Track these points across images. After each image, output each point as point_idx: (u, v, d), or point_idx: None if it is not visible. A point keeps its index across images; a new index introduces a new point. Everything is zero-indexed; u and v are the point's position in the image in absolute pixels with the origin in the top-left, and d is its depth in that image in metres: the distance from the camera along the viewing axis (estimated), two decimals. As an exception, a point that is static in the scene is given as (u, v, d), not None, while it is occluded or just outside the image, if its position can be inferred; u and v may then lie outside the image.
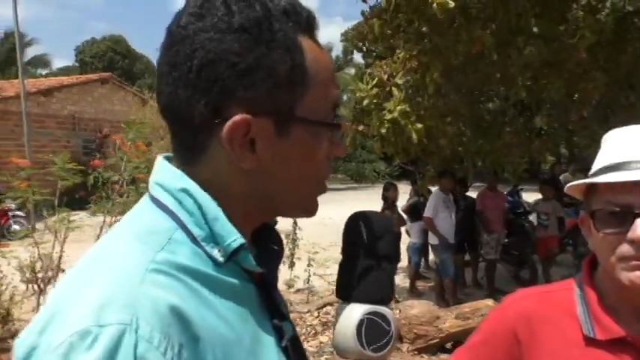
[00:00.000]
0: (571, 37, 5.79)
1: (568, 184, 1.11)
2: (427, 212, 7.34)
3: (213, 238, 0.71)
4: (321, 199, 0.81)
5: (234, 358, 0.68)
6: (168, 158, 0.78)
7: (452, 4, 4.44)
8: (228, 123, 0.69)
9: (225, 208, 0.71)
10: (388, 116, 6.23)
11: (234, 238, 0.70)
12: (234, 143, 0.70)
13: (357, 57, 40.14)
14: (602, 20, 5.90)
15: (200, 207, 0.70)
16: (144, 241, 0.68)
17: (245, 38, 0.69)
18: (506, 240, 8.33)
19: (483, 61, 6.08)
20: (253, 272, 0.75)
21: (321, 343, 6.21)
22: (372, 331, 0.84)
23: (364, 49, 7.22)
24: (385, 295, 0.86)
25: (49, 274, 5.09)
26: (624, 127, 1.08)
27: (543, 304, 1.12)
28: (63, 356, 0.58)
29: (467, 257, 8.70)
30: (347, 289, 0.92)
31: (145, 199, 0.76)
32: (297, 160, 0.75)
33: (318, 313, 7.29)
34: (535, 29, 5.95)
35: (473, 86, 6.53)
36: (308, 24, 0.75)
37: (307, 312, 7.33)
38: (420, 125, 6.17)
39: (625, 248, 0.97)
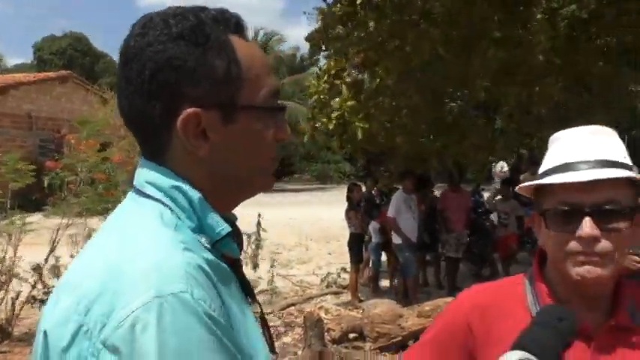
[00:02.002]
0: (529, 41, 5.91)
1: (519, 185, 1.16)
2: (390, 212, 7.40)
3: (201, 228, 0.81)
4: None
5: (239, 327, 0.77)
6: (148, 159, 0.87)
7: None
8: (181, 117, 0.79)
9: (202, 193, 0.82)
10: (335, 113, 6.26)
11: (222, 227, 0.81)
12: (188, 134, 0.80)
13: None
14: (558, 26, 6.05)
15: (190, 201, 0.81)
16: (163, 224, 0.78)
17: (184, 44, 0.80)
18: (468, 239, 8.46)
19: (444, 63, 6.16)
20: (228, 257, 0.84)
21: (284, 344, 6.18)
22: None
23: (323, 47, 7.24)
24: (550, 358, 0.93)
25: (2, 278, 4.93)
26: (571, 129, 1.13)
27: (496, 298, 1.17)
28: (131, 327, 0.66)
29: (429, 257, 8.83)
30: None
31: (133, 197, 0.85)
32: (247, 144, 0.85)
33: (282, 313, 7.27)
34: (497, 34, 6.06)
35: (434, 87, 6.61)
36: (237, 26, 0.86)
37: (270, 313, 7.30)
38: (366, 125, 6.22)
39: (574, 245, 1.03)
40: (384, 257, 8.94)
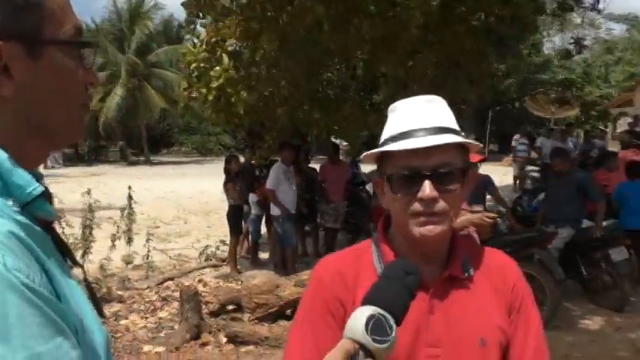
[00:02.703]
0: (404, 17, 6.09)
1: (363, 154, 1.24)
2: (269, 184, 7.39)
3: (7, 188, 0.71)
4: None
5: (63, 295, 0.71)
6: None
7: None
8: None
9: (7, 150, 0.72)
10: (215, 84, 6.11)
11: (34, 186, 0.73)
12: None
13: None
14: (431, 3, 6.29)
15: None
16: None
17: None
18: (346, 210, 8.68)
19: (322, 35, 6.19)
20: (41, 220, 0.76)
21: (160, 318, 6.02)
22: (378, 327, 0.91)
23: (200, 15, 6.98)
24: (399, 310, 0.96)
25: None
26: (407, 99, 1.22)
27: (349, 264, 1.23)
28: None
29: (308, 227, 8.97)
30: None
31: None
32: (55, 84, 0.78)
33: (158, 288, 7.06)
34: (372, 8, 6.17)
35: (313, 59, 6.63)
36: None
37: (146, 288, 7.07)
38: (245, 94, 6.13)
39: (417, 206, 1.13)
40: (263, 229, 8.97)
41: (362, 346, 0.91)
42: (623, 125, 21.12)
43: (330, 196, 8.15)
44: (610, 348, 5.05)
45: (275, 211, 7.51)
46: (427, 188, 1.10)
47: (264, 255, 8.91)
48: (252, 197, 8.31)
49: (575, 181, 6.09)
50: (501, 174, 15.27)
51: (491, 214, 3.20)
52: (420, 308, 1.14)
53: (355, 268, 1.21)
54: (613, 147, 14.48)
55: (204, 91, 6.69)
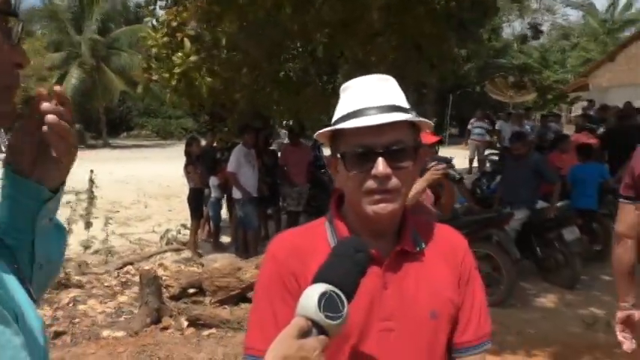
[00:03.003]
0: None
1: (317, 132, 1.24)
2: (230, 167, 7.34)
3: None
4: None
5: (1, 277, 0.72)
6: None
7: None
8: None
9: None
10: (178, 69, 6.01)
11: None
12: None
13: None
14: None
15: None
16: None
17: None
18: (308, 192, 8.68)
19: (282, 16, 6.14)
20: None
21: (120, 303, 5.96)
22: (330, 303, 0.93)
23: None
24: (351, 287, 0.99)
25: None
26: (360, 77, 1.22)
27: (304, 240, 1.25)
28: None
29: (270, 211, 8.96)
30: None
31: None
32: None
33: (118, 273, 6.97)
34: None
35: (273, 41, 6.57)
36: None
37: (105, 273, 6.97)
38: (209, 79, 6.05)
39: (370, 183, 1.14)
40: (224, 213, 8.92)
41: (315, 323, 0.94)
42: (578, 109, 21.71)
43: (292, 179, 8.15)
44: (561, 324, 5.24)
45: (237, 194, 7.47)
46: (380, 165, 1.11)
47: (226, 239, 8.88)
48: (213, 180, 8.24)
49: (531, 164, 6.24)
50: (462, 157, 15.51)
51: (439, 165, 3.27)
52: (374, 283, 1.16)
53: (310, 245, 1.22)
54: (569, 130, 14.86)
55: (166, 75, 6.58)
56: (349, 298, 0.97)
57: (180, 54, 6.38)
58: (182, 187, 9.61)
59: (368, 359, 1.17)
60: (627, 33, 29.22)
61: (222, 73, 6.52)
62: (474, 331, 1.25)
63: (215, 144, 9.55)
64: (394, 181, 1.13)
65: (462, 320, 1.25)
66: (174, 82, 6.51)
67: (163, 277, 6.34)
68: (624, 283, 2.39)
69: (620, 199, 2.40)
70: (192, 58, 6.32)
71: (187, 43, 6.29)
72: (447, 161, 3.19)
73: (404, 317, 1.18)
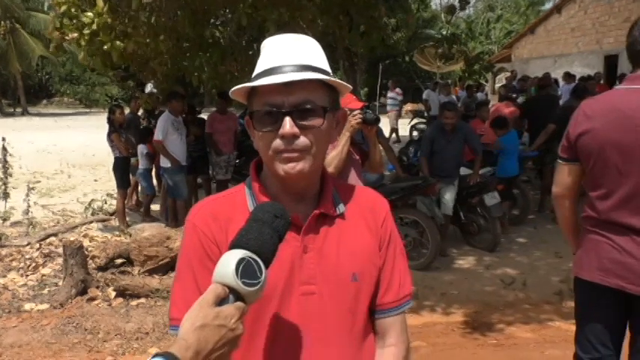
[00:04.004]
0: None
1: (231, 90, 1.20)
2: (157, 135, 7.16)
3: None
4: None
5: None
6: None
7: None
8: None
9: None
10: (87, 30, 5.74)
11: None
12: None
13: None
14: None
15: None
16: None
17: None
18: (237, 161, 8.63)
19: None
20: None
21: (43, 275, 5.78)
22: (247, 270, 0.93)
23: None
24: (269, 253, 0.99)
25: None
26: (279, 35, 1.20)
27: (223, 206, 1.23)
28: None
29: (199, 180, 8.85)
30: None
31: None
32: None
33: (40, 245, 6.73)
34: None
35: (198, 7, 6.37)
36: None
37: (27, 245, 6.72)
38: (119, 43, 5.83)
39: (278, 143, 1.12)
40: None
41: (232, 290, 0.93)
42: (502, 80, 22.50)
43: (221, 148, 8.06)
44: (481, 284, 5.53)
45: (165, 162, 7.31)
46: (287, 124, 1.10)
47: (155, 207, 8.71)
48: (142, 149, 7.97)
49: (462, 135, 6.33)
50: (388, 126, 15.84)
51: (355, 111, 3.29)
52: (294, 248, 1.17)
53: (229, 211, 1.21)
54: (494, 101, 15.42)
55: (76, 35, 6.25)
56: (267, 263, 0.97)
57: (89, 13, 6.08)
58: (108, 156, 9.33)
59: (289, 323, 1.18)
60: (548, 6, 30.34)
61: (137, 37, 6.25)
62: (395, 293, 1.28)
63: (140, 111, 9.29)
64: (302, 140, 1.12)
65: (383, 282, 1.27)
66: (83, 43, 6.21)
67: (89, 248, 6.19)
68: (573, 237, 2.52)
69: (558, 160, 2.45)
70: (104, 18, 6.02)
71: (100, 2, 5.99)
72: (365, 112, 3.21)
73: (325, 280, 1.19)
